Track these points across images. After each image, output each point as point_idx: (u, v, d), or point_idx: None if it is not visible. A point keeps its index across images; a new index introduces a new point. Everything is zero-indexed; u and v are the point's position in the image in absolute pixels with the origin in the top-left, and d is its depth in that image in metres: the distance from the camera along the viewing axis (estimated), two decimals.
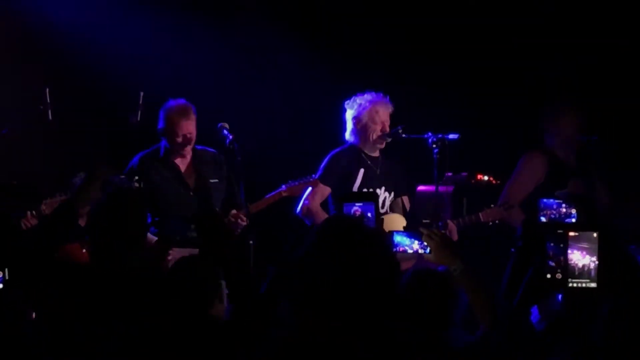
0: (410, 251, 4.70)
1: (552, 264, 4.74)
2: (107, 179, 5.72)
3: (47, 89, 7.18)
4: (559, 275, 4.66)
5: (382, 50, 8.89)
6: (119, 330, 4.27)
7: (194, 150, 7.09)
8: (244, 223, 6.73)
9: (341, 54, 8.85)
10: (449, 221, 6.99)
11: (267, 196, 7.06)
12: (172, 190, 6.95)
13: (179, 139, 6.96)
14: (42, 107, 7.14)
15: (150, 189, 6.85)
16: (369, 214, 5.02)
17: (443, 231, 6.69)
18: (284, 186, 7.09)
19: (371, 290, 3.23)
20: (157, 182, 6.95)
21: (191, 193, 6.98)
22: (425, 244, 4.55)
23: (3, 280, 4.42)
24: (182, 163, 7.07)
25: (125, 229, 4.65)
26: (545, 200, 6.44)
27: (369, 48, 8.92)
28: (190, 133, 6.99)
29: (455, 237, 6.89)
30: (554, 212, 6.35)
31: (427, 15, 8.86)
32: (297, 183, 7.10)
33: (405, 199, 7.34)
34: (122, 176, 6.48)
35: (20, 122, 7.24)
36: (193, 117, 7.01)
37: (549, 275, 4.67)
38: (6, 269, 4.38)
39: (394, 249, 4.70)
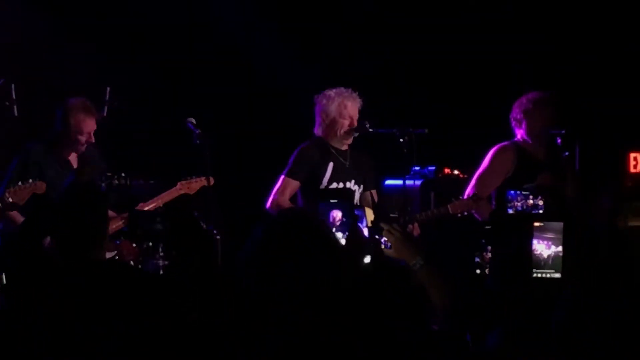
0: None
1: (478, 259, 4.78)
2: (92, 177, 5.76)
3: (13, 85, 7.12)
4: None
5: (350, 45, 8.91)
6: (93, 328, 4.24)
7: None
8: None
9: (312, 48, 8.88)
10: (416, 215, 6.99)
11: (162, 194, 7.10)
12: (61, 183, 6.94)
13: (83, 137, 7.02)
14: (7, 102, 7.10)
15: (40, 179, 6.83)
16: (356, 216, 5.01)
17: (410, 225, 6.76)
18: (178, 184, 7.17)
19: (322, 288, 3.21)
20: (51, 176, 6.95)
21: None
22: (386, 239, 4.56)
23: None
24: (72, 158, 7.16)
25: (86, 225, 4.61)
26: (512, 192, 6.49)
27: (338, 42, 8.94)
28: (91, 131, 7.05)
29: (417, 231, 6.89)
30: (520, 203, 6.40)
31: (393, 10, 8.88)
32: (191, 180, 7.17)
33: (374, 192, 7.36)
34: (109, 174, 6.49)
35: None
36: (96, 114, 7.09)
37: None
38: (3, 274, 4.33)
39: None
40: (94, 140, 7.06)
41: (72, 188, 5.07)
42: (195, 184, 7.16)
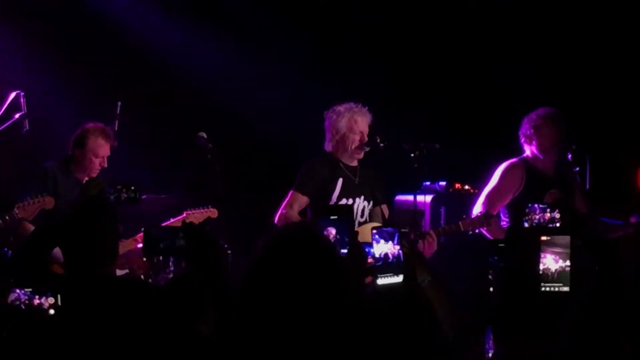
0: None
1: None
2: (101, 190, 5.76)
3: (24, 98, 7.15)
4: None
5: (360, 59, 8.92)
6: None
7: None
8: None
9: (321, 64, 8.90)
10: (430, 231, 6.94)
11: (169, 222, 7.14)
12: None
13: (97, 160, 7.16)
14: (18, 115, 7.13)
15: (55, 198, 6.87)
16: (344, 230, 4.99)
17: (422, 240, 6.73)
18: (184, 213, 7.23)
19: (323, 305, 3.19)
20: (63, 193, 7.02)
21: None
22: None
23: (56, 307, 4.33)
24: (84, 180, 7.20)
25: (96, 240, 4.61)
26: (530, 205, 6.46)
27: (347, 57, 8.96)
28: (105, 155, 7.20)
29: (434, 247, 6.85)
30: (539, 217, 6.37)
31: (404, 27, 8.90)
32: (197, 210, 7.26)
33: (384, 207, 7.32)
34: (119, 186, 6.50)
35: None
36: (112, 141, 7.22)
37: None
38: (59, 295, 4.31)
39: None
40: (106, 165, 7.19)
41: (80, 201, 5.09)
42: (200, 215, 7.20)
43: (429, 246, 6.70)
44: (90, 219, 4.63)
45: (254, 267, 3.27)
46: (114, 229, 4.82)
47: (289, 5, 9.02)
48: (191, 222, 4.36)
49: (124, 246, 6.73)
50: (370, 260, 4.76)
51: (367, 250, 4.96)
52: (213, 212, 7.21)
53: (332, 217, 4.95)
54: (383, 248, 4.81)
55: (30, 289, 4.17)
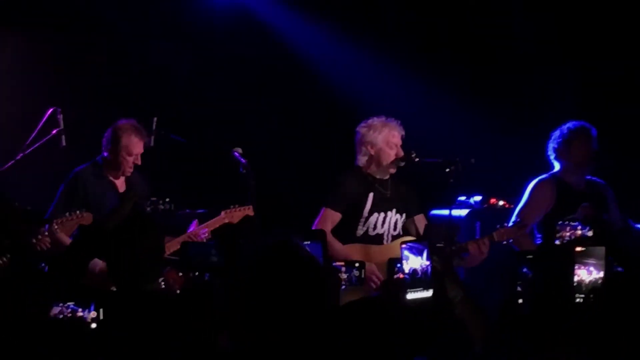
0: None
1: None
2: (138, 202, 5.78)
3: (61, 115, 7.21)
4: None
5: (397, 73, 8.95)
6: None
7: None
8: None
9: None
10: (469, 245, 6.88)
11: (208, 222, 7.13)
12: (107, 206, 6.96)
13: (130, 158, 7.07)
14: (56, 131, 7.18)
15: (86, 203, 6.88)
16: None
17: (464, 256, 6.69)
18: (222, 212, 7.19)
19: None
20: (93, 197, 7.00)
21: None
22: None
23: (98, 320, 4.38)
24: (118, 181, 7.17)
25: (139, 253, 4.64)
26: (560, 222, 6.43)
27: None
28: (139, 153, 7.10)
29: (486, 253, 6.77)
30: (569, 234, 6.33)
31: (445, 39, 8.92)
32: (235, 209, 7.20)
33: (421, 217, 7.23)
34: (153, 198, 6.49)
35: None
36: (145, 137, 7.14)
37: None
38: (101, 309, 4.36)
39: (396, 276, 4.74)
40: (140, 163, 7.12)
41: (119, 214, 5.12)
42: (238, 213, 7.19)
43: (480, 253, 6.65)
44: (136, 235, 4.66)
45: (250, 276, 3.36)
46: (159, 245, 4.84)
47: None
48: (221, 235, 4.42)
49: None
50: (400, 275, 4.76)
51: (397, 266, 4.97)
52: (250, 210, 7.14)
53: (305, 242, 4.97)
54: (413, 263, 4.81)
55: (72, 302, 4.21)
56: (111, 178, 7.15)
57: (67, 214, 6.64)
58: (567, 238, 6.38)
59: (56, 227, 6.59)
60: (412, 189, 7.25)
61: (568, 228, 6.44)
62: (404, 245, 4.82)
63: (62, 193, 7.05)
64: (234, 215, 7.19)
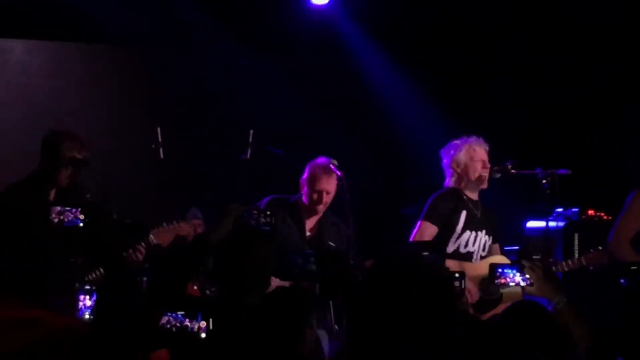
0: (512, 283, 4.70)
1: None
2: (240, 215, 5.80)
3: (159, 129, 7.29)
4: None
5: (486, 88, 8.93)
6: None
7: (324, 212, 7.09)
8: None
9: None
10: (562, 263, 6.82)
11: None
12: (290, 241, 6.93)
13: (315, 195, 6.99)
14: (154, 145, 7.26)
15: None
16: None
17: (553, 267, 6.63)
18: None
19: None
20: (280, 228, 6.93)
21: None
22: (527, 276, 4.55)
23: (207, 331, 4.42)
24: (308, 219, 7.10)
25: (247, 268, 4.66)
26: None
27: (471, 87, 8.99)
28: (327, 192, 6.98)
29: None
30: None
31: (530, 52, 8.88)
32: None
33: (495, 247, 7.22)
34: (254, 212, 6.45)
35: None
36: (334, 177, 6.97)
37: None
38: (210, 320, 4.41)
39: (497, 280, 4.74)
40: (325, 203, 7.00)
41: (224, 226, 5.18)
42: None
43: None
44: (245, 249, 4.69)
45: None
46: (268, 258, 4.85)
47: None
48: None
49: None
50: (503, 280, 4.75)
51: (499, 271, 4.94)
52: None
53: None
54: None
55: (182, 312, 4.25)
56: (302, 215, 7.06)
57: (164, 223, 6.66)
58: None
59: (152, 237, 6.63)
60: (497, 215, 7.22)
61: None
62: (498, 268, 4.81)
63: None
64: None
